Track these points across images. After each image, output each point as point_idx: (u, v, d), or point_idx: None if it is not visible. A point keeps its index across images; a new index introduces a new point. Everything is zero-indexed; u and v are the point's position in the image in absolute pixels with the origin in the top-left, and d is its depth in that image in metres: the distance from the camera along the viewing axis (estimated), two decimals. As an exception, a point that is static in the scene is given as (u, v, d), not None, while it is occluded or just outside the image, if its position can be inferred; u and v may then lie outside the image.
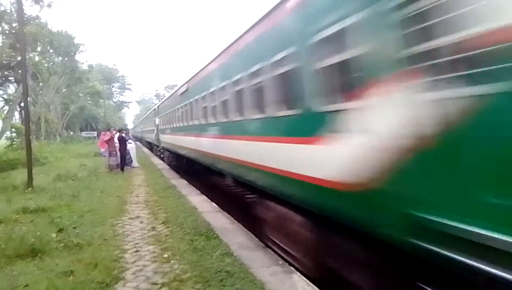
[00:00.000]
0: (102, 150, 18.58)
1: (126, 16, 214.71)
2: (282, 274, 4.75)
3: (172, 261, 5.31)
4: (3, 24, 37.32)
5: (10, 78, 45.25)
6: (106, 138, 18.44)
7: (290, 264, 5.16)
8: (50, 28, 45.86)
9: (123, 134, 18.33)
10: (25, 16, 34.61)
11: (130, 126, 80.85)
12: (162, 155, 24.91)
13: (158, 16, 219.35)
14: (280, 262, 5.18)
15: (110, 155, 17.77)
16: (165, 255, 5.57)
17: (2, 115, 37.74)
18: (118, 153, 17.47)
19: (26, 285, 4.57)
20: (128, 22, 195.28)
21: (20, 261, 5.41)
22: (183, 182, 13.91)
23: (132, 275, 4.90)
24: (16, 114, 44.34)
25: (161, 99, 44.28)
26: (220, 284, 4.43)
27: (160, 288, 4.46)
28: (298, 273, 4.77)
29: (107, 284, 4.58)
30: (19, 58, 28.54)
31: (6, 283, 4.64)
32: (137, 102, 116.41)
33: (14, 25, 36.11)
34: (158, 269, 5.04)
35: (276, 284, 4.41)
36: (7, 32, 37.97)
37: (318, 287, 4.34)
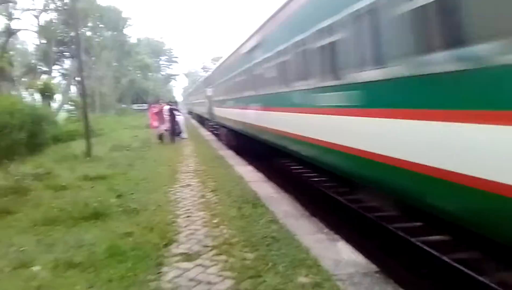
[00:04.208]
0: (155, 124, 19.03)
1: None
2: (327, 241, 4.89)
3: (221, 226, 5.60)
4: (56, 1, 38.89)
5: (65, 53, 47.59)
6: (155, 110, 19.09)
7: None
8: (99, 3, 47.37)
9: (173, 107, 18.91)
10: (77, -8, 35.87)
11: (178, 98, 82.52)
12: None
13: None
14: (325, 231, 5.32)
15: (160, 126, 18.46)
16: (215, 221, 5.87)
17: (60, 89, 39.98)
18: (169, 124, 18.13)
19: (92, 244, 5.03)
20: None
21: (85, 223, 5.92)
22: (230, 152, 14.27)
23: (185, 237, 5.23)
24: (72, 88, 46.80)
25: (207, 71, 34.69)
26: (267, 249, 4.64)
27: (211, 250, 4.75)
28: (343, 241, 4.89)
29: (163, 245, 4.95)
30: (72, 34, 29.94)
31: (74, 242, 5.13)
32: (185, 74, 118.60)
33: (65, 1, 37.58)
34: (209, 233, 5.34)
35: (321, 250, 4.55)
36: (59, 8, 39.60)
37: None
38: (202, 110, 29.53)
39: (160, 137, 18.09)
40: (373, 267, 4.09)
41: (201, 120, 32.87)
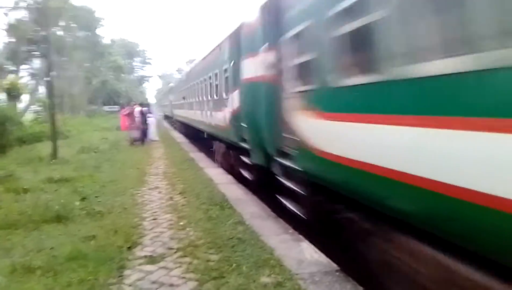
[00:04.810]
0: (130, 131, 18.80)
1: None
2: (291, 241, 4.95)
3: (187, 229, 5.57)
4: (27, -1, 37.73)
5: (35, 52, 46.11)
6: (126, 112, 18.88)
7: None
8: (71, 3, 46.22)
9: (143, 109, 18.71)
10: (47, -10, 34.85)
11: (151, 100, 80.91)
12: None
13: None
14: (290, 231, 5.37)
15: (131, 129, 18.20)
16: (181, 223, 5.83)
17: (28, 89, 38.64)
18: (139, 126, 17.90)
19: (52, 248, 4.89)
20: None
21: (46, 226, 5.76)
22: (201, 155, 14.19)
23: (150, 240, 5.17)
24: (41, 88, 45.35)
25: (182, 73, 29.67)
26: (231, 250, 4.65)
27: (175, 252, 4.71)
28: (307, 241, 4.95)
29: (126, 248, 4.87)
30: (43, 33, 29.08)
31: (34, 245, 4.99)
32: (159, 76, 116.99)
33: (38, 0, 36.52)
34: (174, 236, 5.30)
35: (285, 250, 4.61)
36: (31, 7, 38.43)
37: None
38: (200, 118, 14.84)
39: (133, 139, 17.85)
40: (334, 266, 4.17)
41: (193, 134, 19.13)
